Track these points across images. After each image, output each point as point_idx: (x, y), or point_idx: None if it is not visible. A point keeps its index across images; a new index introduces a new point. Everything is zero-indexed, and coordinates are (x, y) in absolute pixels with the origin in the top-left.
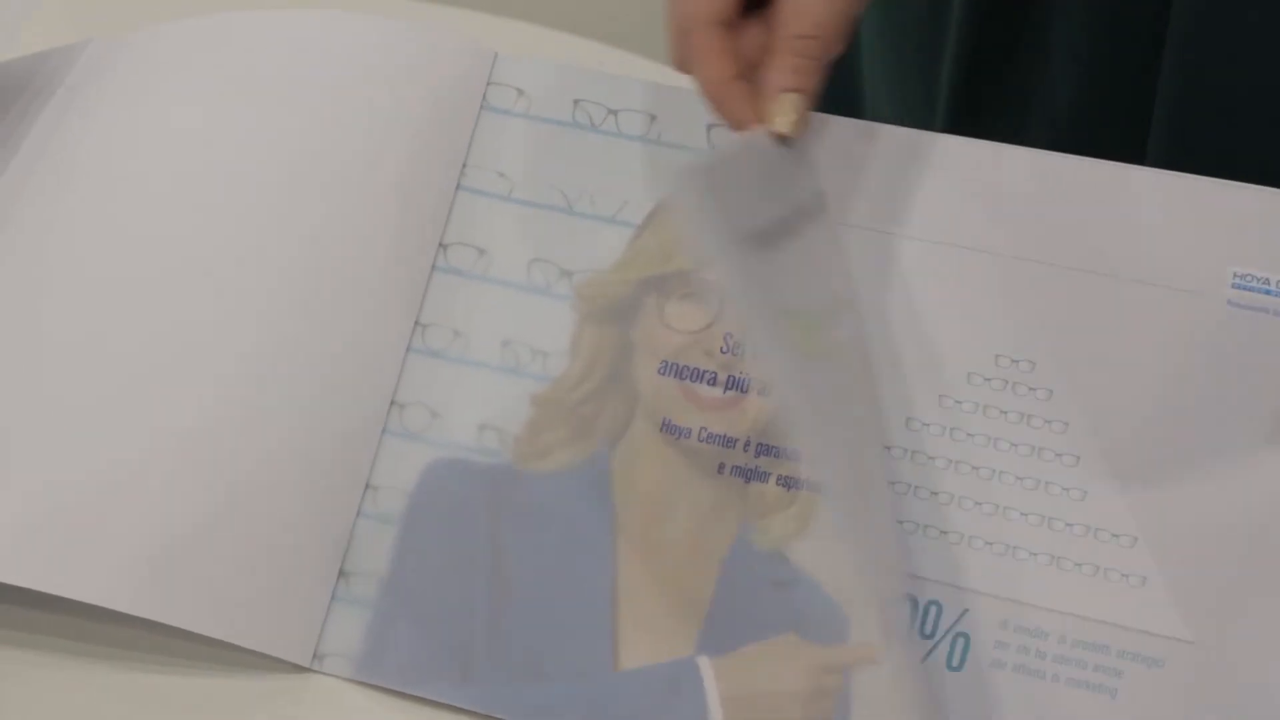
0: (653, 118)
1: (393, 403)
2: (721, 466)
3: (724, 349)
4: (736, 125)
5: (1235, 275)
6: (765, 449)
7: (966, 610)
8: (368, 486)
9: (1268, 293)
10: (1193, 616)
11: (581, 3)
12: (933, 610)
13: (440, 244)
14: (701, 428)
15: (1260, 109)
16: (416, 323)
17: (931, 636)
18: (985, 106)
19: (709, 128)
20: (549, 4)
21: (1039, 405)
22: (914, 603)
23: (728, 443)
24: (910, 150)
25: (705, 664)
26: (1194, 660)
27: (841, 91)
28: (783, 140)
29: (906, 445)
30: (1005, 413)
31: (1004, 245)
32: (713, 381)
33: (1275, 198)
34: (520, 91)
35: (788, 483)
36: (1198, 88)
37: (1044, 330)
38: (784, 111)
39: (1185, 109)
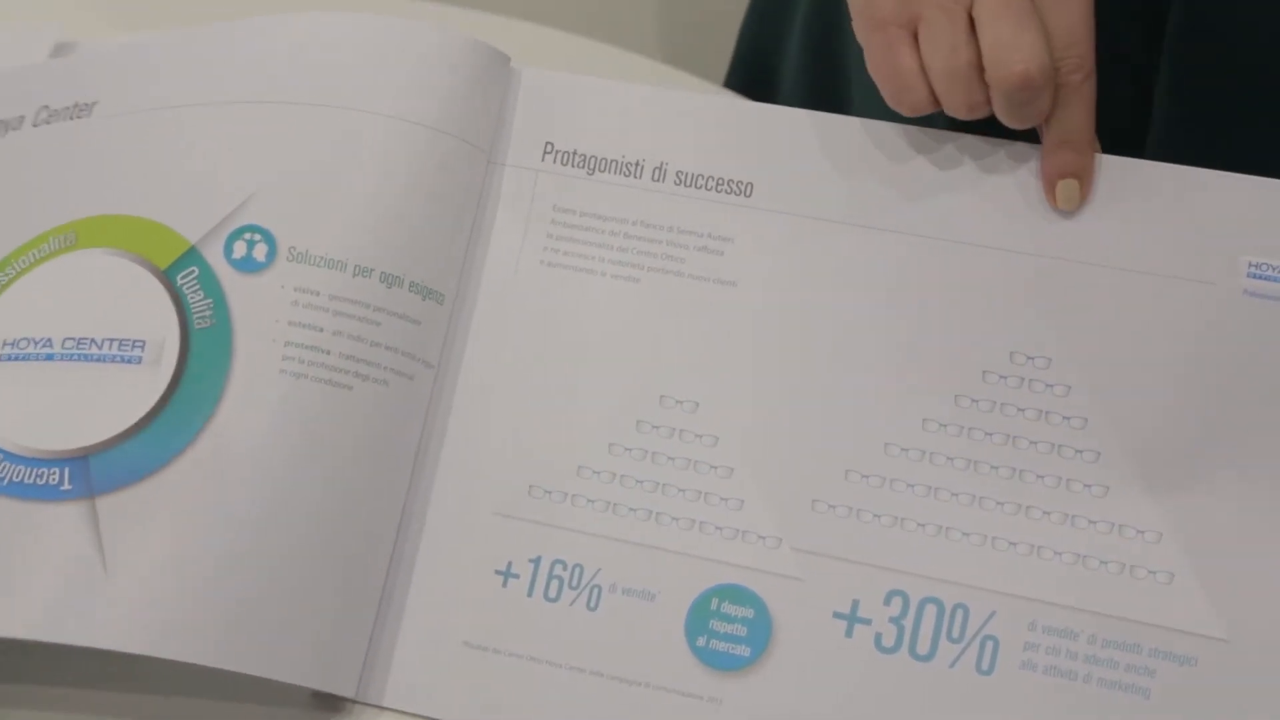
0: None
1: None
2: None
3: None
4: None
5: (1250, 265)
6: None
7: (994, 613)
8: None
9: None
10: (1224, 612)
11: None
12: (959, 613)
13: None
14: None
15: (1259, 100)
16: None
17: (959, 640)
18: None
19: None
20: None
21: (1057, 402)
22: (940, 606)
23: None
24: (916, 148)
25: None
26: (1227, 657)
27: (830, 90)
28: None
29: (924, 447)
30: (1023, 410)
31: (1016, 241)
32: None
33: None
34: None
35: None
36: (1197, 79)
37: (1059, 326)
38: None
39: (1184, 100)
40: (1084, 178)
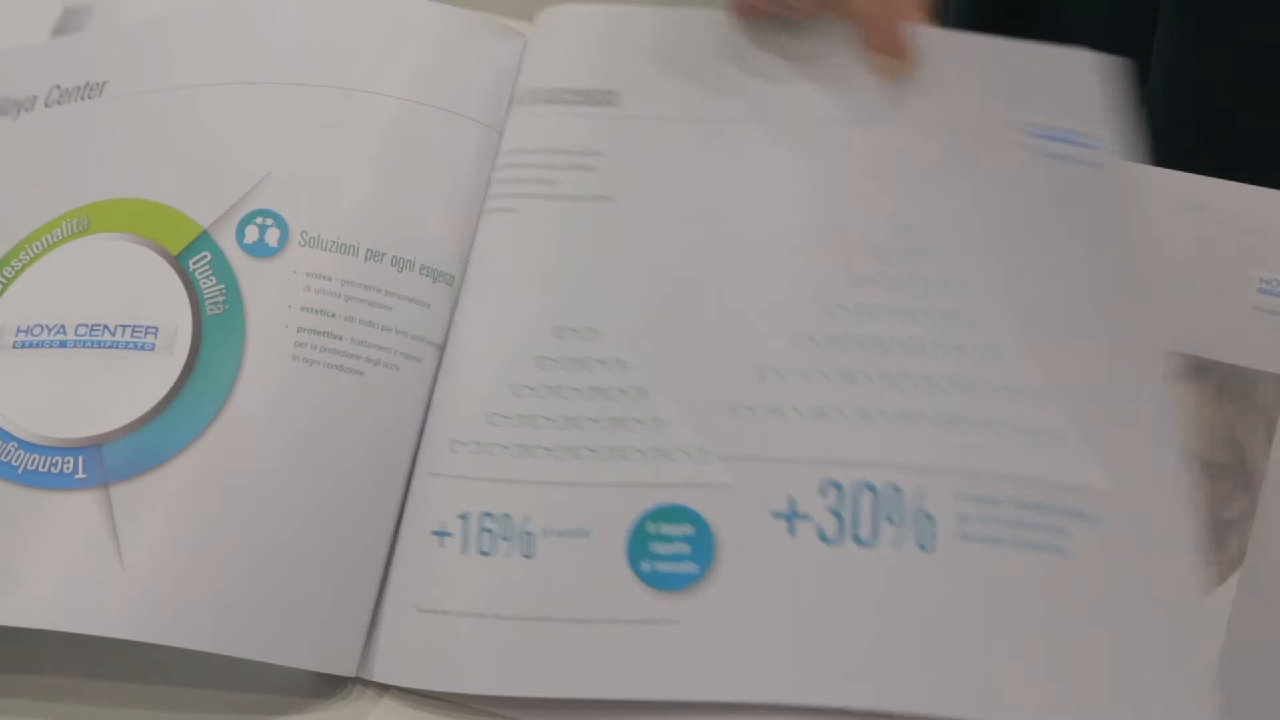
0: None
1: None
2: None
3: None
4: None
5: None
6: None
7: (924, 490)
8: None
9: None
10: (1114, 467)
11: None
12: (893, 495)
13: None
14: None
15: (1250, 101)
16: None
17: (899, 522)
18: None
19: None
20: None
21: (941, 268)
22: (874, 490)
23: None
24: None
25: None
26: (1126, 510)
27: None
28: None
29: (831, 333)
30: (912, 280)
31: (860, 114)
32: None
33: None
34: None
35: None
36: (1188, 79)
37: (915, 194)
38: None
39: (1176, 100)
40: (895, 51)
